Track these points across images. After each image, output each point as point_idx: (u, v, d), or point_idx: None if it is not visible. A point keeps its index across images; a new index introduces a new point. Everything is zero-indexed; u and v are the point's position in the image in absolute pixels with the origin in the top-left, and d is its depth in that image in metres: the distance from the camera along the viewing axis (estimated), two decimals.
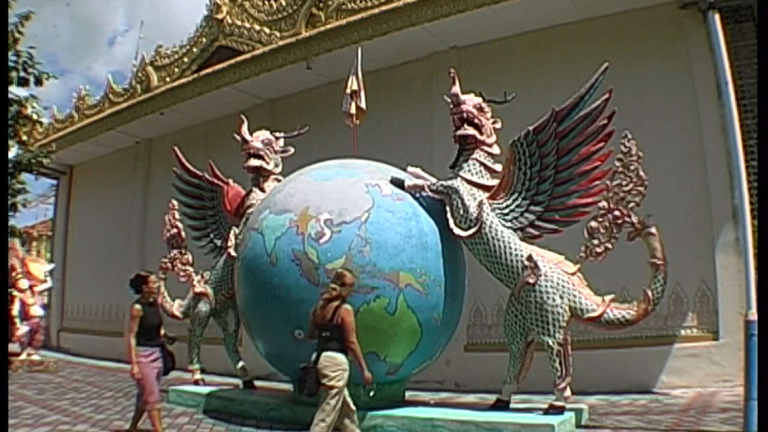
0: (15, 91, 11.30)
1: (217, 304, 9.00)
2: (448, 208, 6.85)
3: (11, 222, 11.94)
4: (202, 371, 9.17)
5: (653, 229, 6.18)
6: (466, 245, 6.88)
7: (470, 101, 7.03)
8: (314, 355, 5.29)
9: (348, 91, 8.36)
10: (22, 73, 10.92)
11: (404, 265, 6.39)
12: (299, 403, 7.12)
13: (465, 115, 6.94)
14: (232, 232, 8.66)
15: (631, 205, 6.23)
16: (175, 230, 9.66)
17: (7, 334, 11.96)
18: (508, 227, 6.63)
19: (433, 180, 7.13)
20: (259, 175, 8.69)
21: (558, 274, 6.37)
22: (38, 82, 11.12)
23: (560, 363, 6.29)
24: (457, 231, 6.75)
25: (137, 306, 5.80)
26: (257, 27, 12.77)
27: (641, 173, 6.21)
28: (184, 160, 9.63)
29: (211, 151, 11.87)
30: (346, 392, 5.37)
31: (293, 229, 6.56)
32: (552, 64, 10.17)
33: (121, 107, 15.82)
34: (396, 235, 6.46)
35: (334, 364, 5.22)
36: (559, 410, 6.23)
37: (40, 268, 14.00)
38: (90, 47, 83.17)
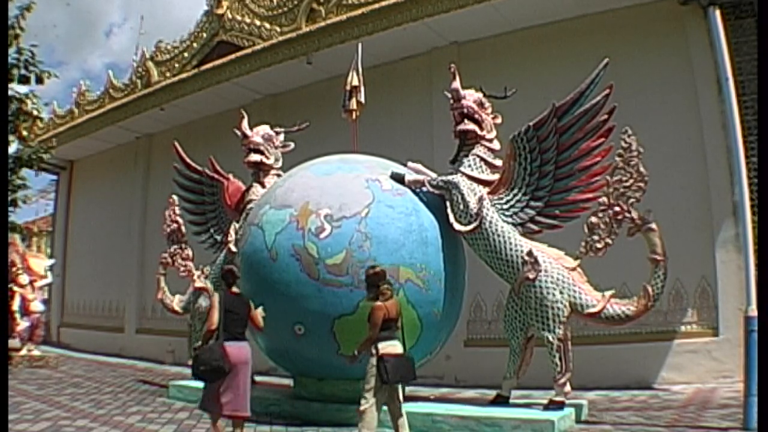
0: (15, 87, 11.30)
1: None
2: (448, 204, 6.85)
3: (11, 218, 11.96)
4: None
5: (653, 225, 6.18)
6: (467, 240, 6.88)
7: (470, 96, 7.03)
8: None
9: (348, 87, 8.35)
10: (23, 71, 10.91)
11: (404, 260, 6.39)
12: (299, 399, 7.15)
13: (465, 110, 6.95)
14: (232, 227, 8.66)
15: (631, 200, 6.23)
16: (175, 225, 9.68)
17: (8, 329, 11.97)
18: (508, 222, 6.64)
19: (434, 175, 7.13)
20: (260, 170, 8.68)
21: (558, 270, 6.38)
22: (39, 80, 11.10)
23: (560, 358, 6.30)
24: (457, 226, 6.75)
25: None
26: (257, 22, 12.75)
27: (641, 169, 6.21)
28: (184, 155, 9.63)
29: (211, 147, 11.83)
30: None
31: (293, 224, 6.56)
32: (552, 60, 10.15)
33: (122, 102, 15.82)
34: (396, 230, 6.46)
35: None
36: (559, 405, 6.24)
37: (41, 263, 13.99)
38: (86, 39, 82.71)
